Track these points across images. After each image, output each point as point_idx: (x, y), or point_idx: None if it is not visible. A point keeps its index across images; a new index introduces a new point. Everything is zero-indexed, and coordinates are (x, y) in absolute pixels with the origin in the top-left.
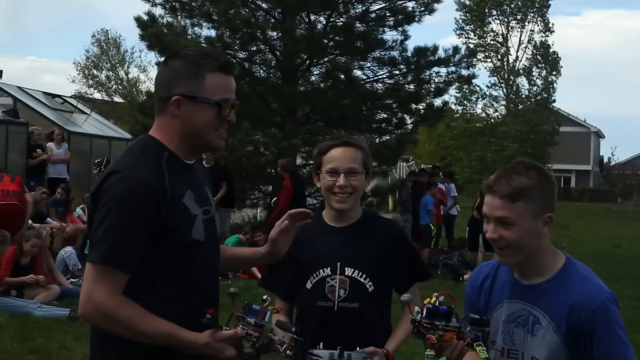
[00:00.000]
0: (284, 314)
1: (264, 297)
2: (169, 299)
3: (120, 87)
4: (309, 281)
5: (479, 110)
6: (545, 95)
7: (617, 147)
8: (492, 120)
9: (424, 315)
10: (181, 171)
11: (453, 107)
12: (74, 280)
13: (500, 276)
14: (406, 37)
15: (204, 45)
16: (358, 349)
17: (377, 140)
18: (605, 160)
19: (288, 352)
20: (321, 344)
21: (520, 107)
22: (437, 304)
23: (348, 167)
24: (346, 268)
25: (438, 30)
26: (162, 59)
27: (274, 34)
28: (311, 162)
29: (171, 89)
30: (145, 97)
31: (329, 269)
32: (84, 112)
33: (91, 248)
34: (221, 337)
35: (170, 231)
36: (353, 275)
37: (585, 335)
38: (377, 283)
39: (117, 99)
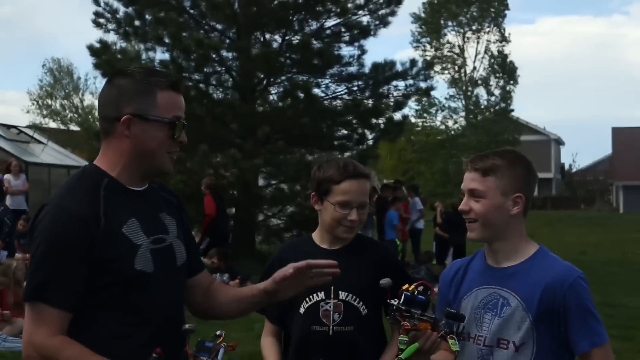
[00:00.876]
0: (274, 336)
1: (217, 332)
2: (116, 335)
3: (75, 115)
4: (301, 306)
5: (438, 123)
6: (503, 105)
7: (577, 153)
8: (452, 132)
9: (401, 301)
10: (124, 199)
11: (413, 120)
12: None
13: (472, 267)
14: (363, 51)
15: (159, 68)
16: None
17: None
18: (567, 167)
19: None
20: None
21: (480, 117)
22: (415, 292)
23: (361, 201)
24: (340, 292)
25: (395, 43)
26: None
27: (229, 54)
28: (273, 182)
29: (120, 109)
30: None
31: (322, 293)
32: (40, 142)
33: (26, 285)
34: None
35: (109, 263)
36: (347, 299)
37: (560, 313)
38: (369, 306)
39: (73, 127)
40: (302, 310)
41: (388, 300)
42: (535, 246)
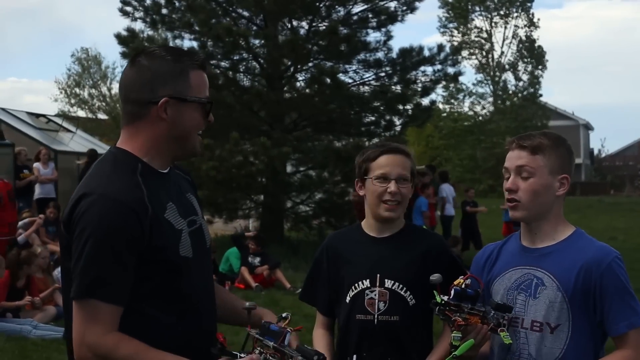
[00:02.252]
0: (326, 329)
1: (284, 314)
2: (164, 325)
3: (103, 103)
4: (348, 294)
5: (466, 109)
6: (532, 90)
7: (606, 138)
8: (480, 118)
9: (451, 296)
10: (158, 183)
11: (440, 106)
12: None
13: (506, 249)
14: (390, 37)
15: None
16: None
17: (366, 144)
18: (596, 152)
19: None
20: (354, 356)
21: (508, 103)
22: (464, 286)
23: (399, 173)
24: (386, 280)
25: (422, 29)
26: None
27: (257, 41)
28: (301, 169)
29: (155, 91)
30: None
31: (368, 281)
32: (69, 131)
33: (73, 282)
34: None
35: (157, 252)
36: (393, 288)
37: (596, 294)
38: (418, 297)
39: (101, 115)
40: (347, 299)
41: (436, 297)
42: (572, 228)
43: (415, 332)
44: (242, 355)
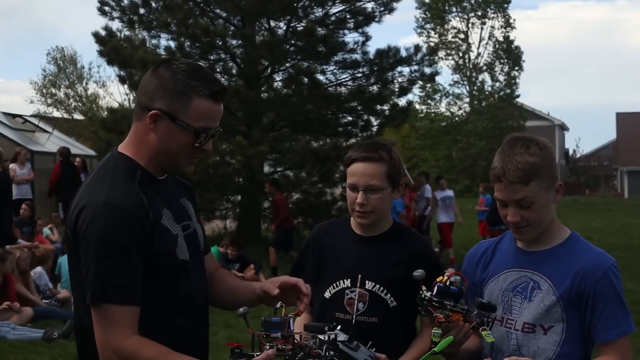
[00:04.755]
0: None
1: (277, 305)
2: (163, 325)
3: (79, 104)
4: (328, 290)
5: (443, 109)
6: (508, 91)
7: (581, 138)
8: (457, 119)
9: (434, 293)
10: (155, 190)
11: (417, 106)
12: (46, 301)
13: (501, 248)
14: (367, 38)
15: (164, 55)
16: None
17: (344, 144)
18: (571, 152)
19: (330, 352)
20: (339, 326)
21: (484, 103)
22: (448, 283)
23: (367, 184)
24: (367, 281)
25: (398, 29)
26: (122, 72)
27: (234, 41)
28: (279, 169)
29: (153, 101)
30: (106, 113)
31: (349, 280)
32: (45, 131)
33: (87, 291)
34: None
35: (157, 256)
36: (373, 290)
37: (589, 299)
38: (399, 299)
39: (77, 116)
40: (327, 294)
41: (420, 292)
42: (567, 231)
43: (395, 334)
44: (257, 353)
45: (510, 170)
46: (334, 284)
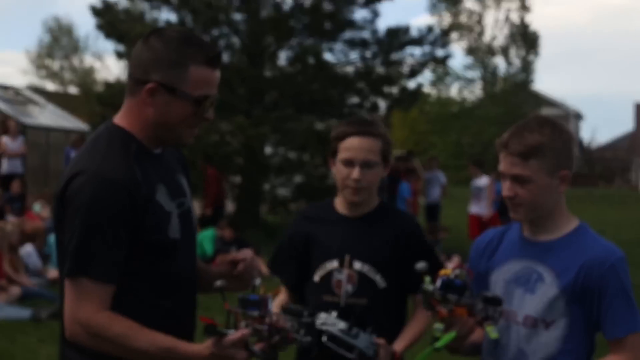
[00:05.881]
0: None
1: (256, 282)
2: (148, 304)
3: (74, 77)
4: (316, 274)
5: (453, 93)
6: (523, 77)
7: (597, 129)
8: (469, 104)
9: (437, 286)
10: (150, 164)
11: (427, 90)
12: (35, 280)
13: (508, 236)
14: (376, 15)
15: None
16: (371, 332)
17: None
18: (586, 143)
19: (307, 338)
20: (334, 312)
21: (497, 89)
22: (452, 276)
23: (364, 158)
24: (355, 261)
25: (410, 9)
26: (120, 46)
27: (238, 16)
28: (281, 150)
29: (148, 73)
30: (104, 87)
31: (336, 261)
32: (39, 104)
33: (65, 260)
34: (228, 343)
35: (147, 232)
36: (362, 270)
37: (595, 294)
38: (389, 279)
39: (72, 89)
40: (316, 278)
41: (423, 286)
42: (576, 222)
43: (385, 316)
44: (231, 332)
45: (513, 143)
46: (322, 267)
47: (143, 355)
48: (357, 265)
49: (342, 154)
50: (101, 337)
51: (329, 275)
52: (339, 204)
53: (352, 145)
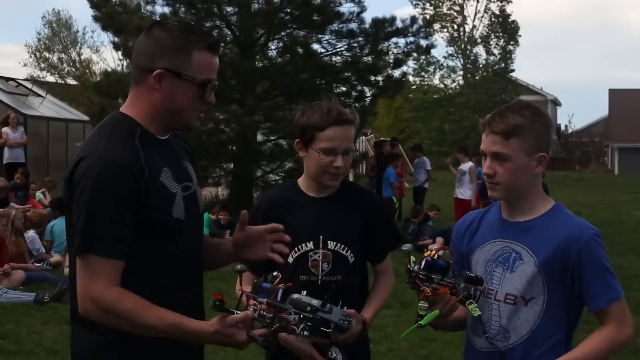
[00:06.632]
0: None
1: (274, 273)
2: (152, 282)
3: (73, 68)
4: (290, 255)
5: (436, 82)
6: (503, 65)
7: (573, 114)
8: (450, 91)
9: (421, 267)
10: (155, 148)
11: (410, 78)
12: (38, 264)
13: (487, 218)
14: (363, 8)
15: None
16: (340, 306)
17: None
18: (563, 128)
19: (305, 332)
20: (304, 291)
21: (478, 77)
22: (436, 257)
23: (346, 147)
24: (329, 241)
25: (393, 1)
26: (117, 38)
27: (230, 8)
28: (272, 138)
29: (154, 61)
30: (101, 77)
31: (311, 242)
32: (39, 95)
33: (75, 240)
34: (231, 322)
35: (151, 212)
36: (336, 249)
37: (575, 270)
38: (356, 254)
39: (70, 81)
40: (290, 259)
41: (408, 266)
42: (551, 202)
43: (356, 289)
44: (238, 312)
45: (496, 122)
46: (297, 248)
47: (151, 330)
48: (331, 244)
49: (323, 144)
50: (111, 313)
51: (304, 255)
52: (305, 185)
53: (333, 135)
